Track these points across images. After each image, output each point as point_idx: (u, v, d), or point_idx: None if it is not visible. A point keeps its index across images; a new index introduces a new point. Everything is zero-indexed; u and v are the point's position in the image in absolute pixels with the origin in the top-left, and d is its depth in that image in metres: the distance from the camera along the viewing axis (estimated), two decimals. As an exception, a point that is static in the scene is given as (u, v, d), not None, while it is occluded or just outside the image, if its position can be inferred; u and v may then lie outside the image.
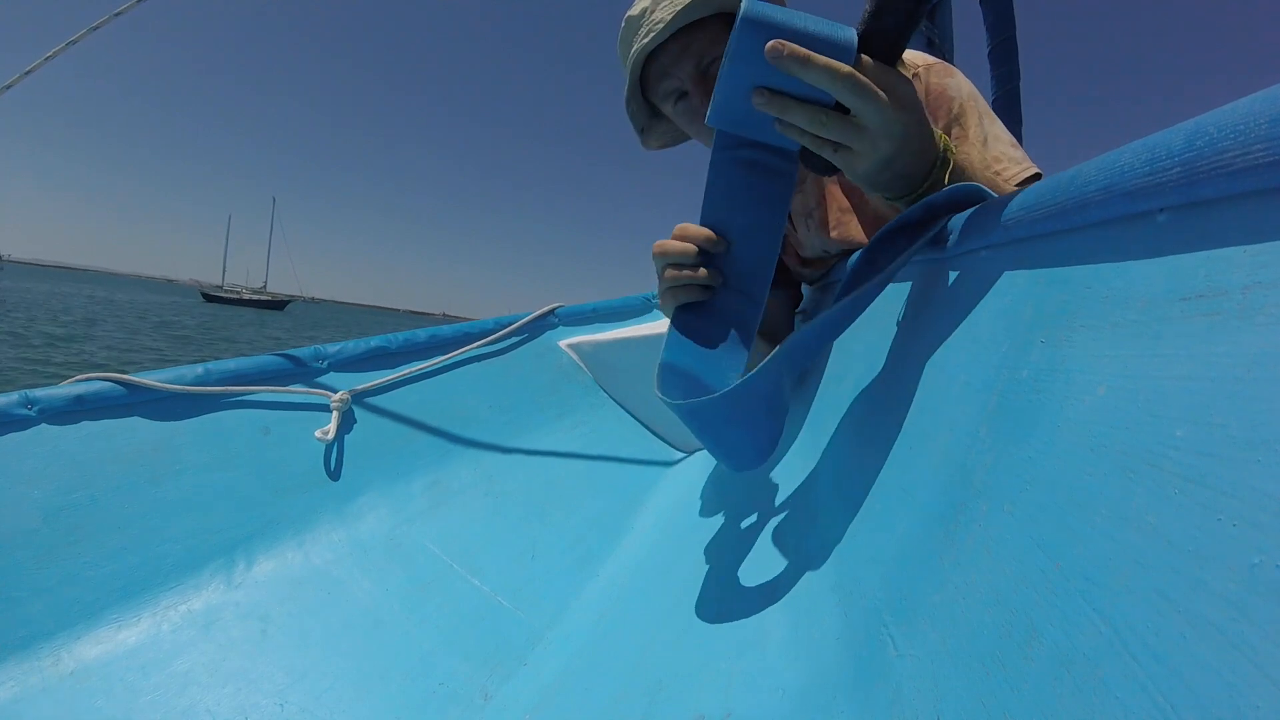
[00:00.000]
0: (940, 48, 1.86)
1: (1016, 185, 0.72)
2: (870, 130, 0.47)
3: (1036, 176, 0.73)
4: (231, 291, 68.17)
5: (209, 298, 57.31)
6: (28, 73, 1.01)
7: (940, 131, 0.55)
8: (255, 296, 63.60)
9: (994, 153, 0.74)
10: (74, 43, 1.05)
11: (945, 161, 0.54)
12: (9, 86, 0.98)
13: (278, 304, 59.06)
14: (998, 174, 0.73)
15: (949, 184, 0.54)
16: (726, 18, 0.85)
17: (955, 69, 0.82)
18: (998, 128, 0.77)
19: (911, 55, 0.83)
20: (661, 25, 0.80)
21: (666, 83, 0.87)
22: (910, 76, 0.80)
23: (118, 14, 1.10)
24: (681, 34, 0.82)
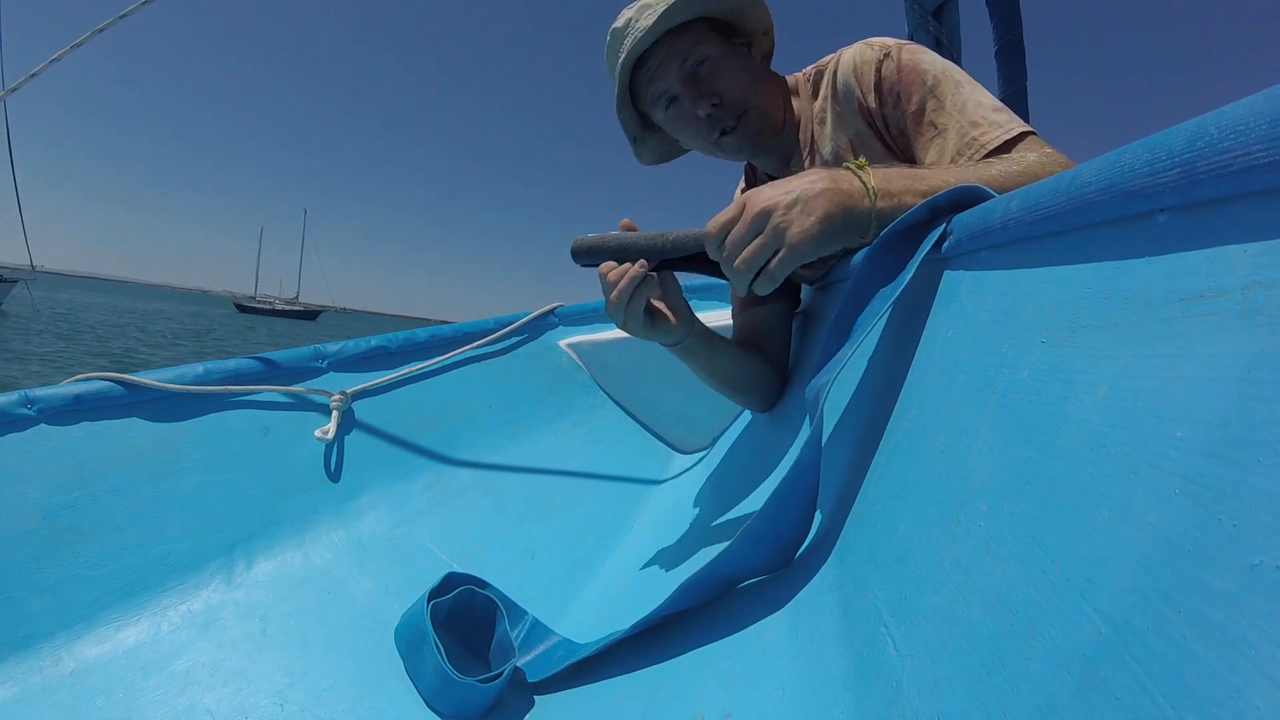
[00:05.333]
0: (948, 48, 1.86)
1: (997, 147, 0.69)
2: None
3: (1023, 136, 0.69)
4: (264, 302, 68.03)
5: (242, 308, 57.44)
6: (54, 60, 1.01)
7: (848, 164, 0.61)
8: (288, 307, 63.63)
9: (973, 118, 0.72)
10: (101, 30, 1.06)
11: (867, 177, 0.59)
12: (35, 74, 0.98)
13: (310, 314, 59.05)
14: (974, 139, 0.71)
15: (891, 183, 0.59)
16: (708, 22, 0.86)
17: (926, 48, 0.81)
18: (979, 94, 0.75)
19: (883, 39, 0.83)
20: (645, 32, 0.82)
21: (655, 87, 0.87)
22: (883, 56, 0.79)
23: (125, 15, 1.11)
24: (665, 39, 0.84)
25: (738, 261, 0.59)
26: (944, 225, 0.49)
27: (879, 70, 0.80)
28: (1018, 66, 1.90)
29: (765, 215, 0.58)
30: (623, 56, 0.85)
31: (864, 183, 0.59)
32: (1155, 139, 0.26)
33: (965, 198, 0.49)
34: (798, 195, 0.57)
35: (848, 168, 0.60)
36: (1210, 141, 0.22)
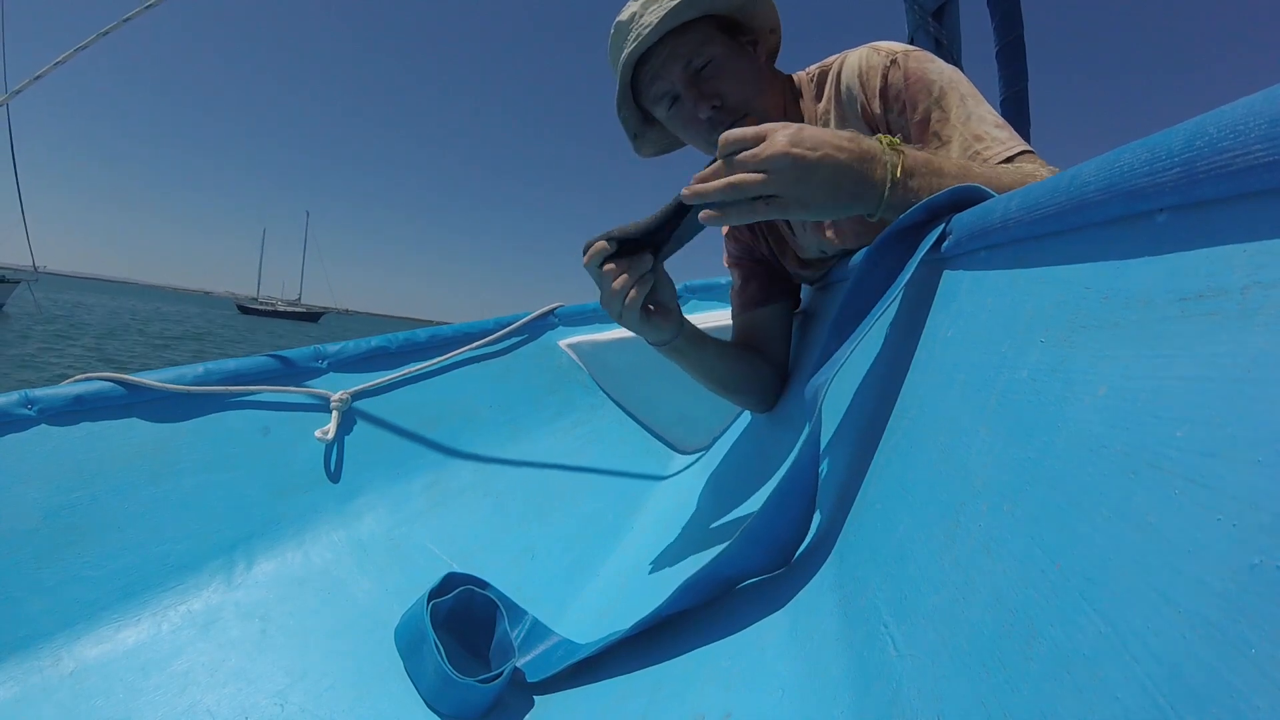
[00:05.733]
0: (947, 49, 1.86)
1: (999, 164, 0.69)
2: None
3: (1023, 154, 0.70)
4: (266, 304, 67.33)
5: (244, 310, 57.09)
6: (58, 63, 1.01)
7: (883, 136, 0.60)
8: (290, 309, 63.22)
9: (976, 132, 0.72)
10: (105, 34, 1.06)
11: (895, 165, 0.59)
12: (39, 77, 0.98)
13: (312, 316, 58.75)
14: (977, 153, 0.71)
15: (913, 177, 0.59)
16: (714, 20, 0.85)
17: (935, 56, 0.81)
18: (982, 108, 0.75)
19: (889, 44, 0.83)
20: (649, 29, 0.81)
21: (657, 86, 0.87)
22: (890, 63, 0.79)
23: (128, 19, 1.11)
24: (669, 37, 0.83)
25: (735, 179, 0.57)
26: (943, 225, 0.49)
27: (885, 77, 0.80)
28: (1018, 67, 1.90)
29: (783, 159, 0.56)
30: (625, 53, 0.84)
31: (888, 168, 0.58)
32: (1155, 139, 0.26)
33: (964, 198, 0.49)
34: (820, 157, 0.57)
35: (879, 140, 0.60)
36: (1209, 141, 0.22)
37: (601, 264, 0.73)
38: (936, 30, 1.87)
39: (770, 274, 1.04)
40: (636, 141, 0.98)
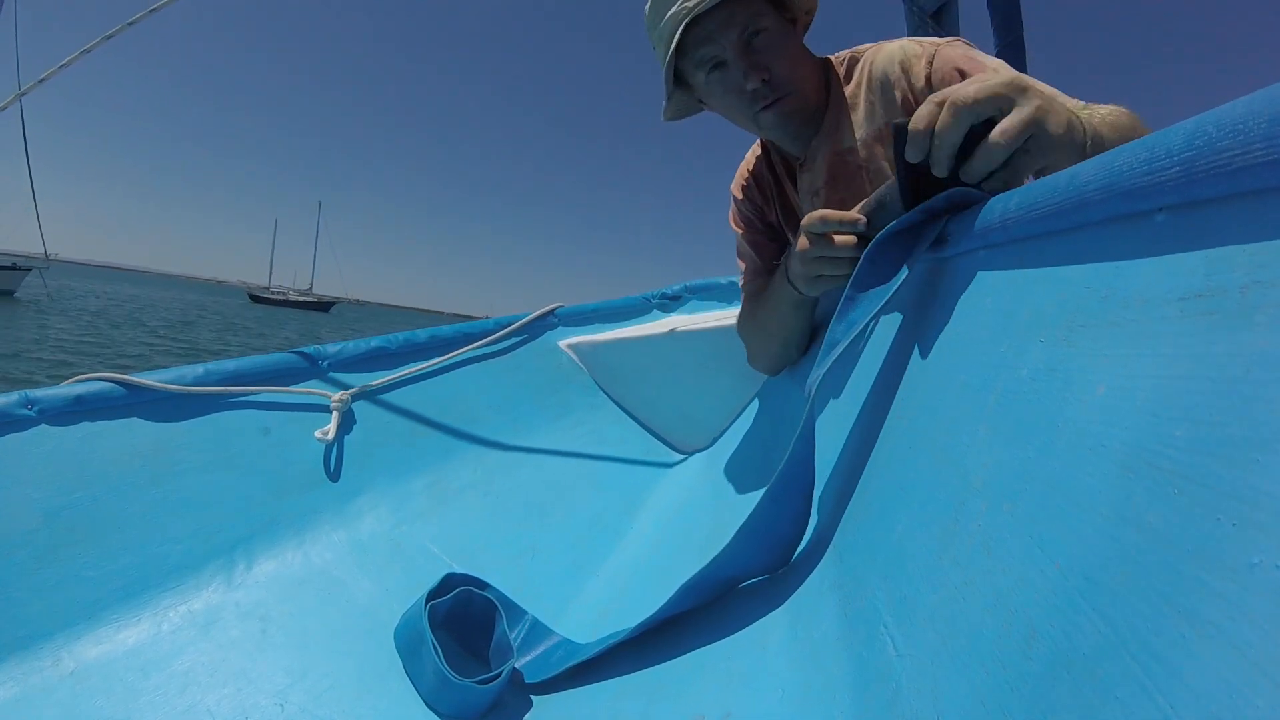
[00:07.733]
0: None
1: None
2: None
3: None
4: (278, 293, 66.53)
5: (256, 299, 56.61)
6: (63, 66, 1.01)
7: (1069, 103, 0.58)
8: (301, 298, 62.51)
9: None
10: (110, 37, 1.06)
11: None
12: (44, 80, 0.98)
13: (323, 306, 58.36)
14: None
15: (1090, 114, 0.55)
16: None
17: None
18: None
19: (932, 38, 0.86)
20: None
21: (706, 49, 0.86)
22: (933, 52, 0.82)
23: (149, 12, 1.10)
24: (726, 2, 0.82)
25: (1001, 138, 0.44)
26: (941, 225, 0.49)
27: (930, 63, 0.83)
28: (1018, 68, 1.91)
29: (1024, 91, 0.46)
30: (677, 9, 0.83)
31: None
32: (1154, 138, 0.26)
33: (962, 199, 0.49)
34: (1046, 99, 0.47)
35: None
36: (1209, 140, 0.22)
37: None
38: (936, 32, 1.87)
39: (778, 246, 1.05)
40: (667, 103, 0.97)
